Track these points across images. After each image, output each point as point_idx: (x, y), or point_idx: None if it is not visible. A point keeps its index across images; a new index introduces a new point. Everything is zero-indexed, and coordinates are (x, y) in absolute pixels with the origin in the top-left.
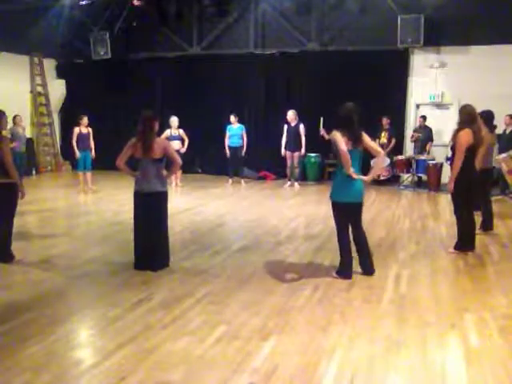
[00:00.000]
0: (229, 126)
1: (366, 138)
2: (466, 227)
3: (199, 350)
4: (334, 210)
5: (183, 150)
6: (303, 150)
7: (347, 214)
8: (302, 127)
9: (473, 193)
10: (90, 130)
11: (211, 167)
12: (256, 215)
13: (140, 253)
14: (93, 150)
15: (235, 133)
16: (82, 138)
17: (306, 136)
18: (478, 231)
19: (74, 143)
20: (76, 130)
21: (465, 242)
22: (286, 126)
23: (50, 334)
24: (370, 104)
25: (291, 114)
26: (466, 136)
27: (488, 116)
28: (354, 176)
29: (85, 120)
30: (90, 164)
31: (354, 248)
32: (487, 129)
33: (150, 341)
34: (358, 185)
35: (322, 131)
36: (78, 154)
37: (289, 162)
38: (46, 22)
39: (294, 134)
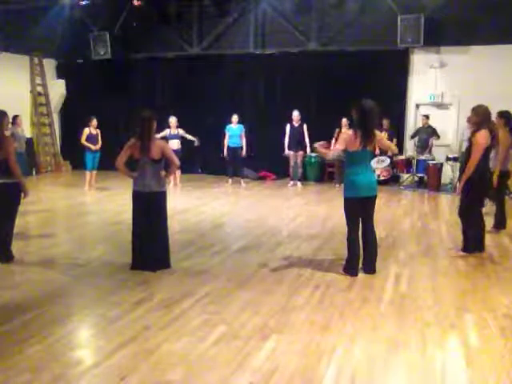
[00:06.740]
0: (228, 126)
1: (380, 136)
2: (475, 228)
3: (199, 350)
4: (346, 207)
5: (197, 144)
6: (308, 150)
7: (361, 209)
8: (305, 127)
9: (484, 193)
10: (99, 131)
11: (211, 167)
12: (256, 215)
13: (139, 253)
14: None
15: (235, 133)
16: (91, 138)
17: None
18: (490, 229)
19: (85, 142)
20: (86, 130)
21: (473, 244)
22: (288, 126)
23: (49, 334)
24: None
25: (297, 115)
26: (485, 137)
27: (508, 117)
28: (322, 151)
29: (94, 121)
30: (97, 164)
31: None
32: (506, 130)
33: (150, 341)
34: (371, 179)
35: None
36: (92, 147)
37: (292, 162)
38: (45, 22)
39: (297, 134)
